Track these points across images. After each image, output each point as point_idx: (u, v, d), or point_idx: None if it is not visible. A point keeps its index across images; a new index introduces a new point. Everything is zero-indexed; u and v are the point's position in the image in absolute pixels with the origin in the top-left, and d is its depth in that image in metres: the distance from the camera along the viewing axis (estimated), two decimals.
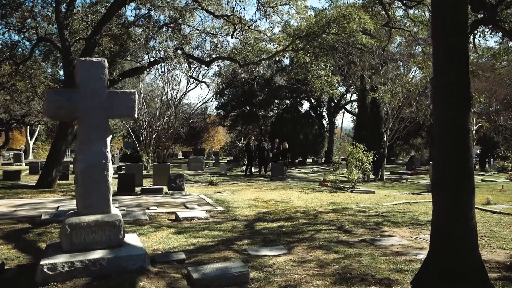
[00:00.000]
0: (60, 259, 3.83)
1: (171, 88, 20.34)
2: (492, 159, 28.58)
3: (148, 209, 8.20)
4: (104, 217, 4.16)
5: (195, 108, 25.67)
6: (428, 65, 10.64)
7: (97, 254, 3.98)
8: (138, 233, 6.05)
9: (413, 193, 12.13)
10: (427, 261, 3.49)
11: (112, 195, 10.62)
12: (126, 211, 7.38)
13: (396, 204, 9.29)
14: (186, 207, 8.45)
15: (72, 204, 7.94)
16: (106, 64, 4.22)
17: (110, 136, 4.35)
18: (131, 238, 4.59)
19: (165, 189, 11.26)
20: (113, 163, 26.83)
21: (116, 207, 8.34)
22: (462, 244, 3.25)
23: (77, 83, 4.14)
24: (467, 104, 3.30)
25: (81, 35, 13.95)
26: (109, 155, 4.27)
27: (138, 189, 11.14)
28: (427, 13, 12.93)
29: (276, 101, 32.27)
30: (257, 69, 26.20)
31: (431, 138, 32.80)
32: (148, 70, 15.56)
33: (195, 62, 15.33)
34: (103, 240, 4.11)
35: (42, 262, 3.78)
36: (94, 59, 4.18)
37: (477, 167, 22.35)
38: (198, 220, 7.13)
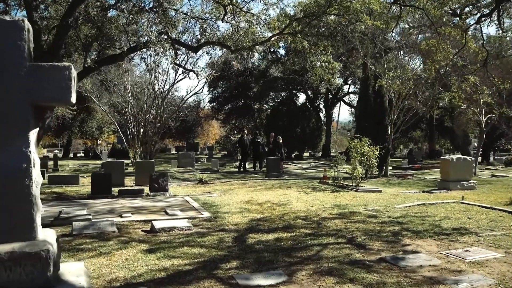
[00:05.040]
0: None
1: (154, 77, 18.84)
2: (493, 152, 27.46)
3: (121, 216, 6.93)
4: (25, 246, 2.89)
5: (185, 99, 24.17)
6: (443, 48, 9.41)
7: None
8: (99, 252, 4.81)
9: (423, 191, 10.97)
10: None
11: (84, 199, 9.19)
12: (90, 222, 6.09)
13: (410, 206, 8.10)
14: (167, 213, 7.19)
15: None
16: (28, 26, 2.93)
17: (37, 130, 3.07)
18: (73, 270, 3.33)
19: (147, 189, 9.99)
20: (101, 159, 25.49)
21: (84, 214, 7.03)
22: None
23: None
24: None
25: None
26: (34, 156, 2.98)
27: (116, 189, 9.86)
28: None
29: (271, 93, 30.98)
30: (250, 59, 24.81)
31: (431, 131, 31.65)
32: (130, 57, 14.20)
33: (182, 48, 13.96)
34: (22, 279, 2.84)
35: None
36: (7, 17, 2.88)
37: (479, 160, 21.15)
38: (178, 231, 5.88)
